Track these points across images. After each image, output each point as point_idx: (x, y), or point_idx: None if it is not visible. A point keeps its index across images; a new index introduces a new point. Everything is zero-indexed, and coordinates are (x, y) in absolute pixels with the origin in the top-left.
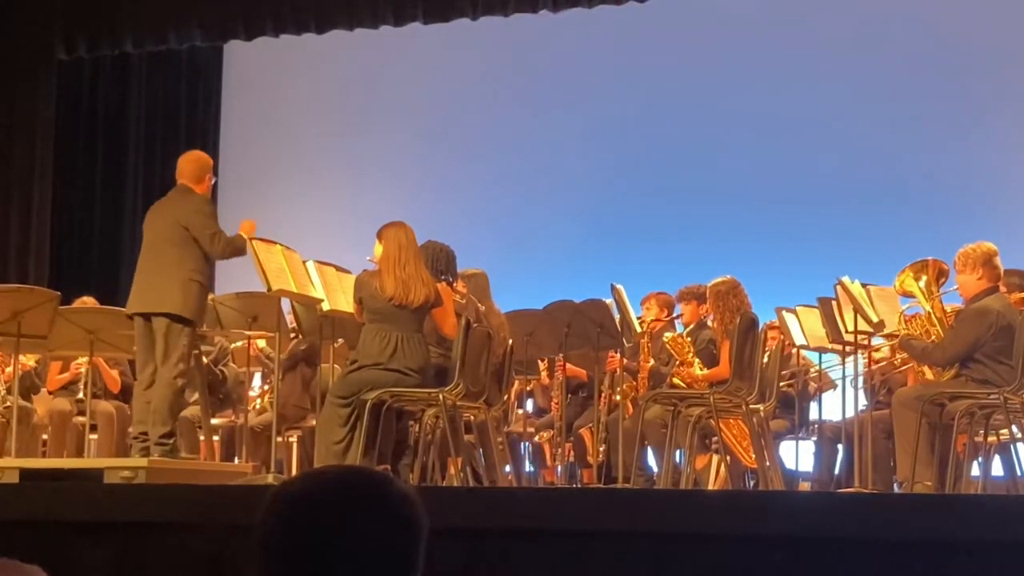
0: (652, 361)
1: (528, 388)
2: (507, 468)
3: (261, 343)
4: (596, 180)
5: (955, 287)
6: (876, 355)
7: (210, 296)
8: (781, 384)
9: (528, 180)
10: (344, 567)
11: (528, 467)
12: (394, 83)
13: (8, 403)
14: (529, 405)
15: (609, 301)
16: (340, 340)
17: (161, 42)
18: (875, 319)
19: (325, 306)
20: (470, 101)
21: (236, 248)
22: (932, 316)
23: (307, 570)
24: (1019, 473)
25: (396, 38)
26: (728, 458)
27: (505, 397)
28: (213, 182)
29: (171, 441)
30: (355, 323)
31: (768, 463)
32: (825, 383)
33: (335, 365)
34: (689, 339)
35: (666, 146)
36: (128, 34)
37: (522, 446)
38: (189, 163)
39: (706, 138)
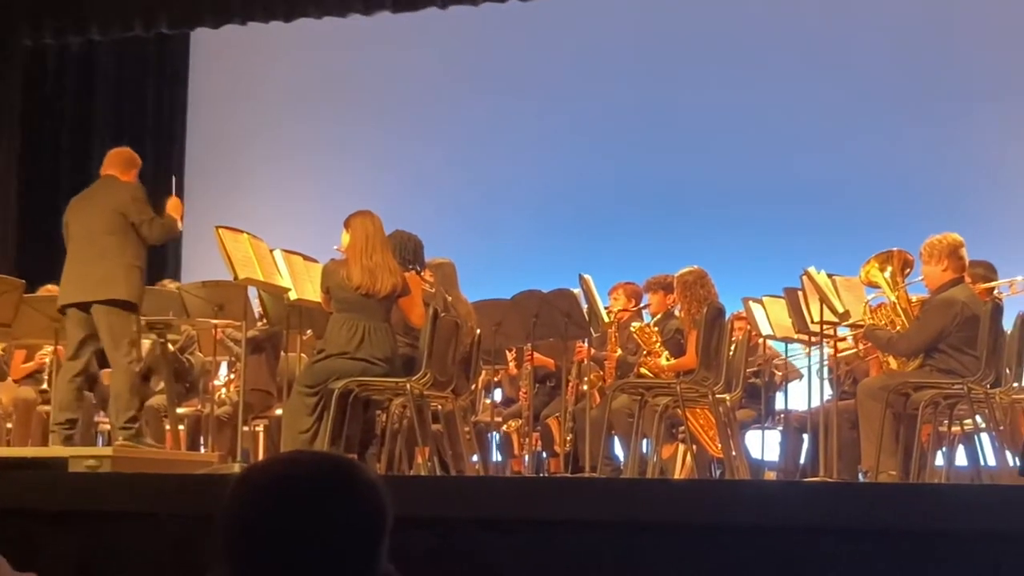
0: (619, 351)
1: (496, 379)
2: (474, 458)
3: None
4: (564, 170)
5: (920, 278)
6: (841, 345)
7: (176, 285)
8: (749, 378)
9: (496, 169)
10: (309, 554)
11: (495, 456)
12: (362, 72)
13: None
14: (497, 395)
15: (577, 291)
16: (308, 332)
17: (127, 29)
18: (841, 309)
19: (292, 295)
20: (438, 91)
21: (170, 231)
22: (897, 306)
23: (271, 556)
24: (982, 463)
25: (365, 27)
26: (694, 447)
27: (473, 387)
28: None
29: (136, 426)
30: (323, 312)
31: (734, 453)
32: (791, 373)
33: (302, 355)
34: (656, 329)
35: (634, 137)
36: (94, 21)
37: (489, 436)
38: (118, 156)
39: (673, 131)
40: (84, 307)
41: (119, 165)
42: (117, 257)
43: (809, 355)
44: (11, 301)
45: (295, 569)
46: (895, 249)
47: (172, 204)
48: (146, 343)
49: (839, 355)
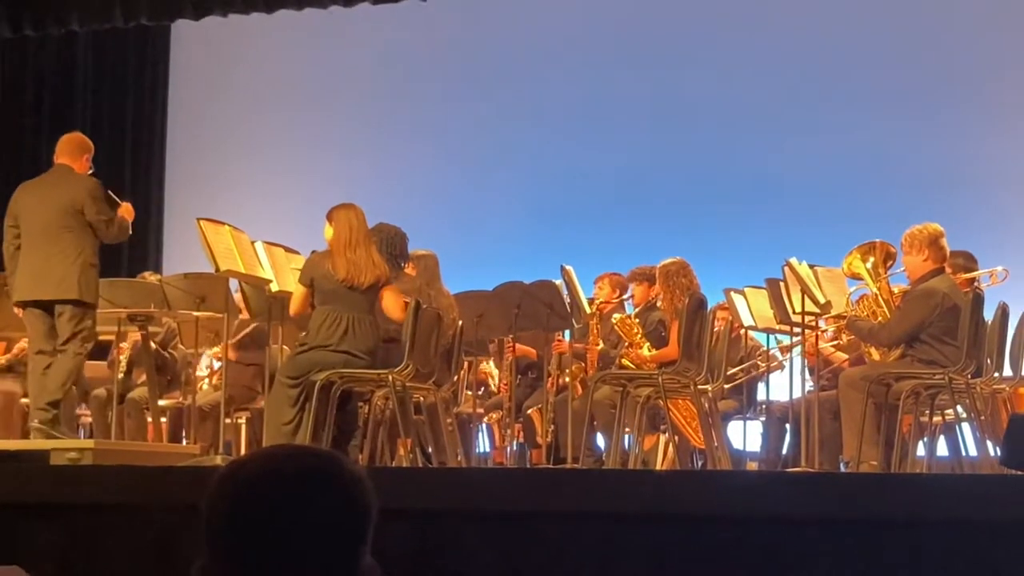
0: (601, 344)
1: (481, 374)
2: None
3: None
4: (546, 162)
5: (902, 268)
6: (823, 335)
7: (157, 277)
8: (735, 371)
9: (478, 161)
10: (292, 547)
11: (481, 447)
12: (343, 64)
13: None
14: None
15: (559, 282)
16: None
17: (107, 20)
18: (822, 300)
19: (274, 287)
20: (421, 82)
21: (125, 232)
22: (879, 298)
23: (254, 549)
24: (963, 453)
25: (345, 18)
26: (676, 438)
27: (455, 378)
28: (92, 169)
29: (55, 411)
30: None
31: (716, 443)
32: (772, 364)
33: (284, 346)
34: (638, 320)
35: (618, 128)
36: (74, 12)
37: (473, 427)
38: (68, 143)
39: (656, 123)
40: (42, 304)
41: (71, 152)
42: (74, 256)
43: (791, 346)
44: None
45: (279, 562)
46: (877, 240)
47: (125, 208)
48: (131, 338)
49: (821, 345)
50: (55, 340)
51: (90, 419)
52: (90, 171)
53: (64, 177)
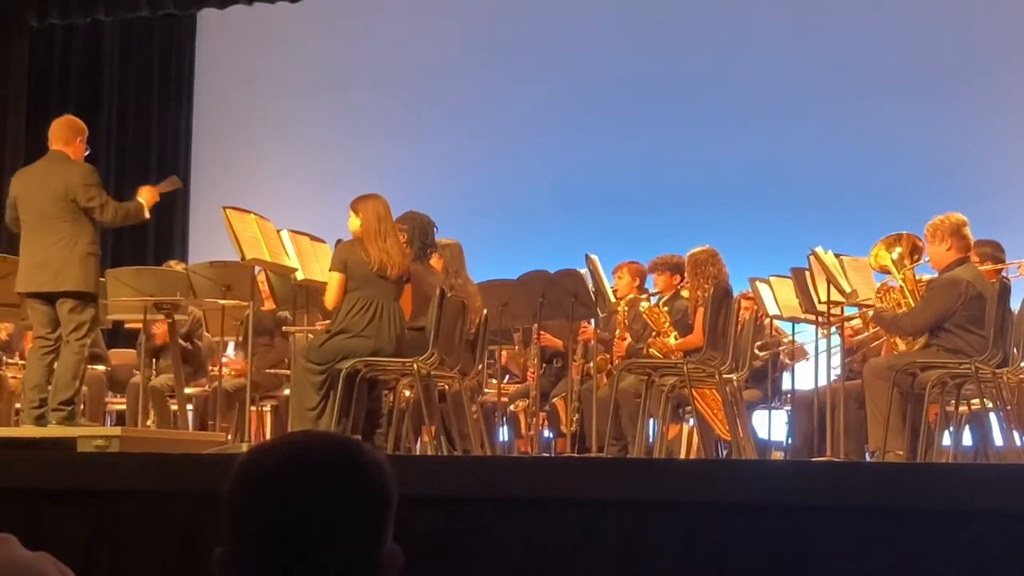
0: (628, 338)
1: (503, 363)
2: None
3: None
4: (572, 151)
5: (927, 259)
6: (849, 324)
7: (183, 265)
8: (756, 362)
9: (503, 148)
10: (313, 533)
11: (503, 437)
12: (368, 51)
13: None
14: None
15: (583, 271)
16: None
17: (133, 9)
18: (848, 289)
19: (299, 275)
20: (447, 68)
21: (130, 214)
22: (904, 288)
23: (275, 535)
24: (989, 443)
25: (371, 5)
26: (699, 427)
27: (479, 366)
28: (87, 151)
29: (70, 408)
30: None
31: (741, 433)
32: (798, 353)
33: (309, 335)
34: (665, 309)
35: (642, 118)
36: (101, 1)
37: (497, 416)
38: (60, 127)
39: (681, 111)
40: (44, 295)
41: (64, 136)
42: (71, 246)
43: (817, 336)
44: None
45: (300, 549)
46: (904, 232)
47: (145, 191)
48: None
49: (854, 338)
50: (57, 328)
51: (120, 406)
52: (86, 152)
53: (57, 164)
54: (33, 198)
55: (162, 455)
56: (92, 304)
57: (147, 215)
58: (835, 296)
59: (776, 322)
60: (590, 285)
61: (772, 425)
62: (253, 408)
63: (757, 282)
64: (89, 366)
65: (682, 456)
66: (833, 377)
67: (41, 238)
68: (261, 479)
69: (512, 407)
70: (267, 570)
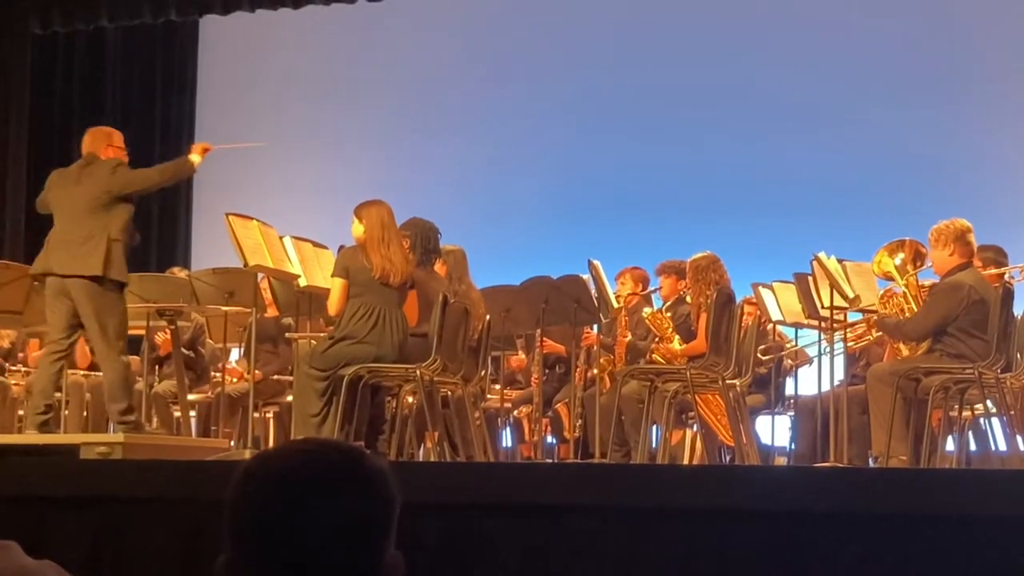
0: (630, 336)
1: (512, 369)
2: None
3: None
4: (574, 156)
5: (930, 265)
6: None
7: (186, 272)
8: (760, 368)
9: (504, 155)
10: (316, 540)
11: (506, 442)
12: (369, 58)
13: None
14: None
15: (586, 276)
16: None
17: (136, 16)
18: (851, 294)
19: (302, 282)
20: (447, 77)
21: (177, 171)
22: (907, 294)
23: (278, 543)
24: (993, 448)
25: (372, 12)
26: (702, 433)
27: (482, 372)
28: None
29: (133, 417)
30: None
31: (744, 439)
32: (801, 358)
33: (312, 341)
34: (668, 315)
35: (644, 123)
36: (103, 8)
37: (500, 422)
38: (90, 134)
39: (683, 116)
40: (64, 288)
41: (95, 143)
42: (100, 234)
43: (820, 341)
44: (21, 288)
45: (302, 556)
46: (907, 238)
47: (199, 145)
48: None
49: (849, 342)
50: (71, 334)
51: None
52: (125, 159)
53: (88, 166)
54: (63, 203)
55: (166, 462)
56: (120, 298)
57: (194, 168)
58: (838, 301)
59: (779, 327)
60: (593, 291)
61: (775, 431)
62: (256, 414)
63: (760, 287)
64: (91, 372)
65: (685, 462)
66: (836, 382)
67: (71, 231)
68: (263, 487)
69: (515, 413)
70: None
